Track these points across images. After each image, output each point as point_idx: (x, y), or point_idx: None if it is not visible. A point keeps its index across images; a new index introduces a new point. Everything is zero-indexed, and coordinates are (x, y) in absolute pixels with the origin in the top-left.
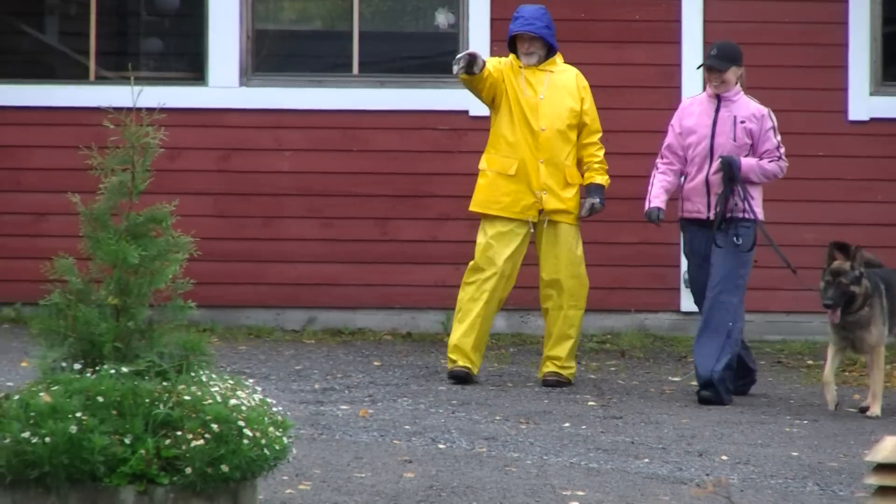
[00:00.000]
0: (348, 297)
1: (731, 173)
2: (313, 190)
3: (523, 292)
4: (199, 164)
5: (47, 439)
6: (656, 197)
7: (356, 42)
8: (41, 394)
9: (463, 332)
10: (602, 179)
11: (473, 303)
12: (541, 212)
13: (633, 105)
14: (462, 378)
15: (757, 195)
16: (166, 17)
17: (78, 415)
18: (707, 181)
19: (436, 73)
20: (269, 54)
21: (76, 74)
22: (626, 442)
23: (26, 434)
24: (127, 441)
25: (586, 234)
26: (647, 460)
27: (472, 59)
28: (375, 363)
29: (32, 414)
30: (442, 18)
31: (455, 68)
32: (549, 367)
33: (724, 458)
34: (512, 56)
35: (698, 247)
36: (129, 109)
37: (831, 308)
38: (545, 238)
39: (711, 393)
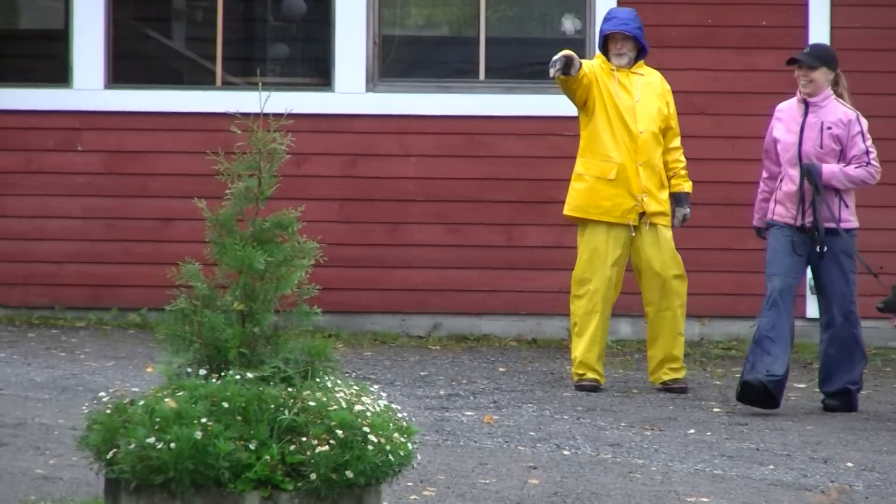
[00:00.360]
0: (474, 303)
1: (812, 181)
2: (439, 195)
3: None
4: (325, 169)
5: (172, 445)
6: (757, 212)
7: (482, 48)
8: (166, 399)
9: (586, 347)
10: (689, 187)
11: (589, 316)
12: (641, 215)
13: (759, 111)
14: (592, 391)
15: (850, 202)
16: (293, 22)
17: (203, 420)
18: (801, 189)
19: None
20: (395, 60)
21: (203, 80)
22: (750, 448)
23: (151, 440)
24: (252, 447)
25: (712, 241)
26: (771, 467)
27: (569, 61)
28: (500, 369)
29: (157, 419)
30: (569, 24)
31: (552, 71)
32: (668, 375)
33: (850, 464)
34: (600, 58)
35: (783, 230)
36: (257, 115)
37: (880, 311)
38: (647, 241)
39: (839, 401)
